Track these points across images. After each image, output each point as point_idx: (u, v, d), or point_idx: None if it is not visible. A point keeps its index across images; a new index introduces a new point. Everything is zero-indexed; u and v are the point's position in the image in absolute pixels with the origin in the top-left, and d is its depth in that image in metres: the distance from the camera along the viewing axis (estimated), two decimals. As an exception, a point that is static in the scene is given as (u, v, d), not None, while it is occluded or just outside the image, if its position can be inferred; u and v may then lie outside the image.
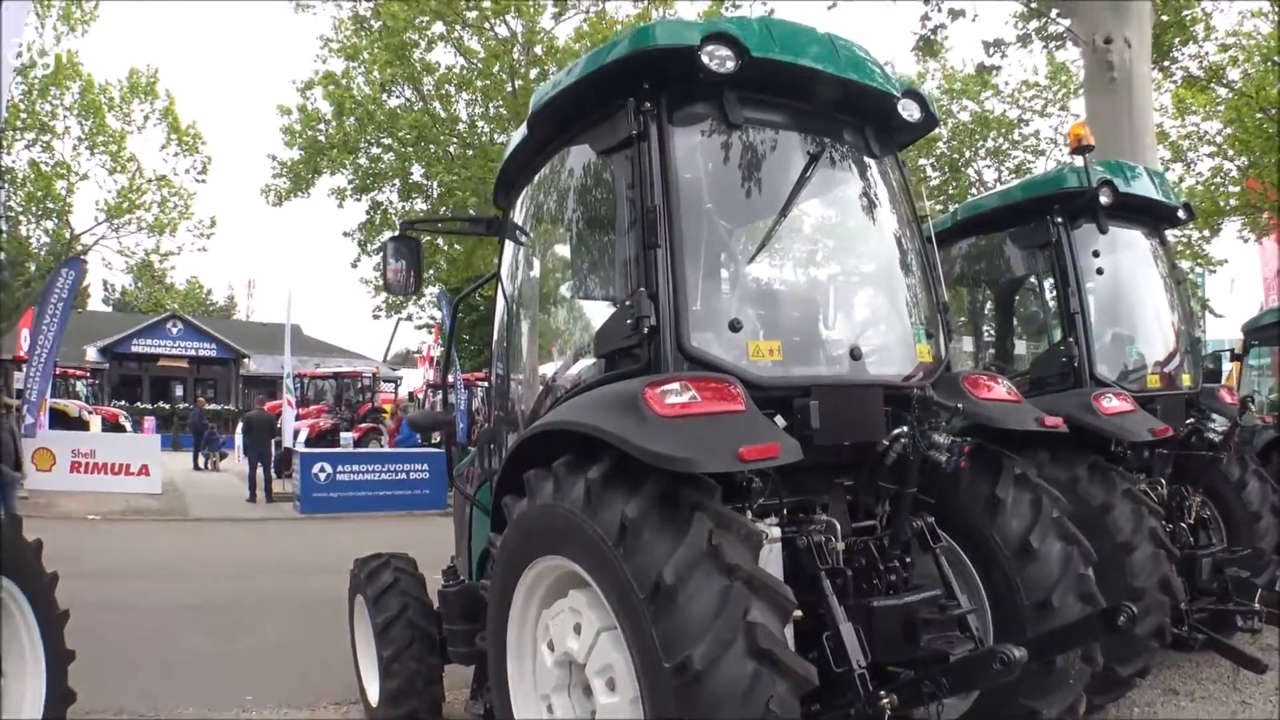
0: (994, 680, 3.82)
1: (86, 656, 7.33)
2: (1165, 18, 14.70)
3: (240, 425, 26.47)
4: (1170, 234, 22.07)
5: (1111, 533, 6.07)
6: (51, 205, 26.88)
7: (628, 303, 4.30)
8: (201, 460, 33.88)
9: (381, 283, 5.79)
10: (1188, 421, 7.59)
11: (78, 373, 41.80)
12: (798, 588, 4.06)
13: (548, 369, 5.59)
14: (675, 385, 3.85)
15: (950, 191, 30.63)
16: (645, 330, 4.18)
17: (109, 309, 67.03)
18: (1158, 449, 7.40)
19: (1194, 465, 7.58)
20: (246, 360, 53.66)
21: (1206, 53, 20.83)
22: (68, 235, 27.90)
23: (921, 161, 30.57)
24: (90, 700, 6.72)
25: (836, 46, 4.76)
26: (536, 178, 5.47)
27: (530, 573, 4.36)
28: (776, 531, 4.06)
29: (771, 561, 3.97)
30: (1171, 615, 6.39)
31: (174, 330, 52.65)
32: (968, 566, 4.79)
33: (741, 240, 4.81)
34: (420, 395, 27.96)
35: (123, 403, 45.77)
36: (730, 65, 4.29)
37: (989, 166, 32.30)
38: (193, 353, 53.17)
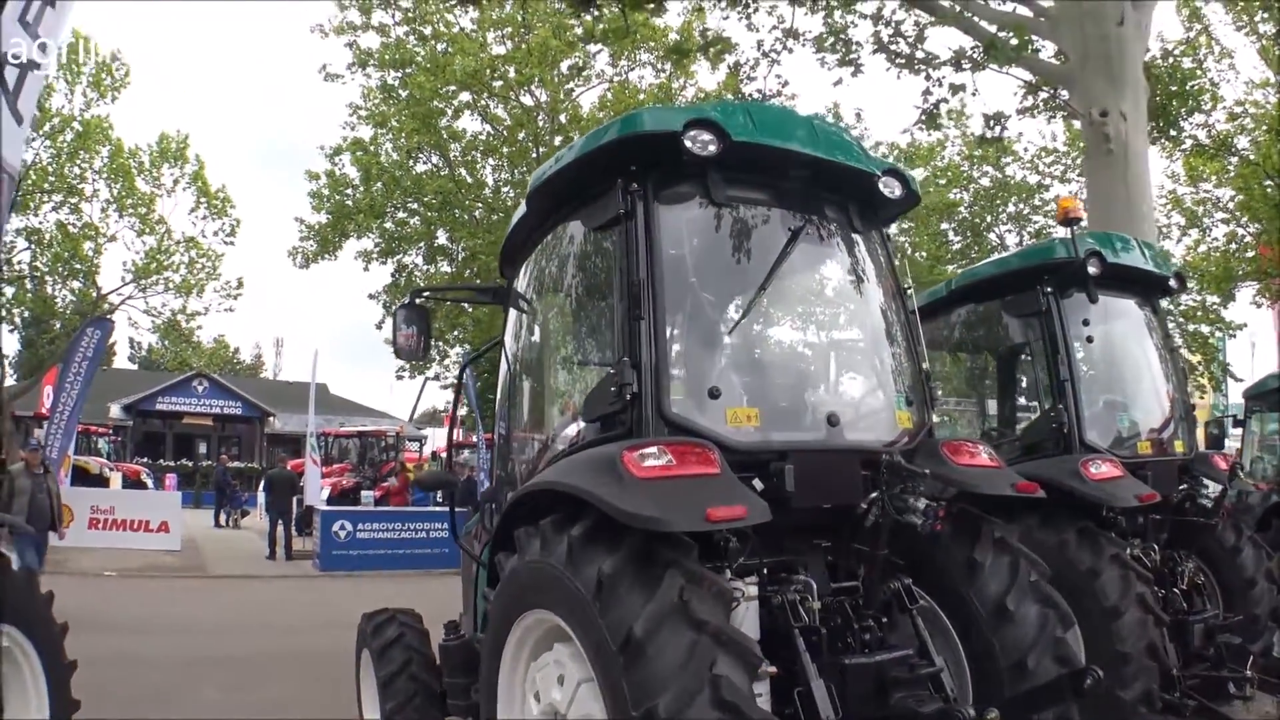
0: None
1: (96, 711, 7.50)
2: (1174, 88, 14.96)
3: (263, 483, 26.66)
4: (1186, 299, 22.14)
5: (1099, 597, 6.19)
6: (79, 266, 27.28)
7: (612, 370, 4.56)
8: (223, 518, 34.09)
9: (393, 348, 6.06)
10: (1180, 487, 7.68)
11: (100, 430, 42.12)
12: (775, 645, 4.27)
13: (543, 431, 5.86)
14: (653, 449, 4.09)
15: (973, 255, 30.83)
16: (628, 397, 4.44)
17: (135, 366, 67.66)
18: (1150, 514, 7.49)
19: (1188, 531, 7.68)
20: (272, 419, 53.96)
21: (1214, 122, 21.11)
22: (94, 295, 28.30)
23: (944, 226, 30.88)
24: None
25: (817, 129, 5.07)
26: (536, 251, 5.78)
27: (519, 626, 4.57)
28: (753, 590, 4.26)
29: (747, 619, 4.17)
30: (1163, 681, 6.46)
31: (200, 388, 53.05)
32: (948, 628, 4.95)
33: (724, 312, 5.05)
34: (443, 455, 28.14)
35: (145, 459, 45.98)
36: (712, 149, 4.57)
37: (1010, 231, 32.52)
38: (218, 410, 53.51)
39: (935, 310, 8.39)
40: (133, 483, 32.60)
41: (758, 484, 4.44)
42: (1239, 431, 13.01)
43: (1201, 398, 32.59)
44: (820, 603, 4.49)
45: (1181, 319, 26.63)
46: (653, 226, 4.66)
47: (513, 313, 6.06)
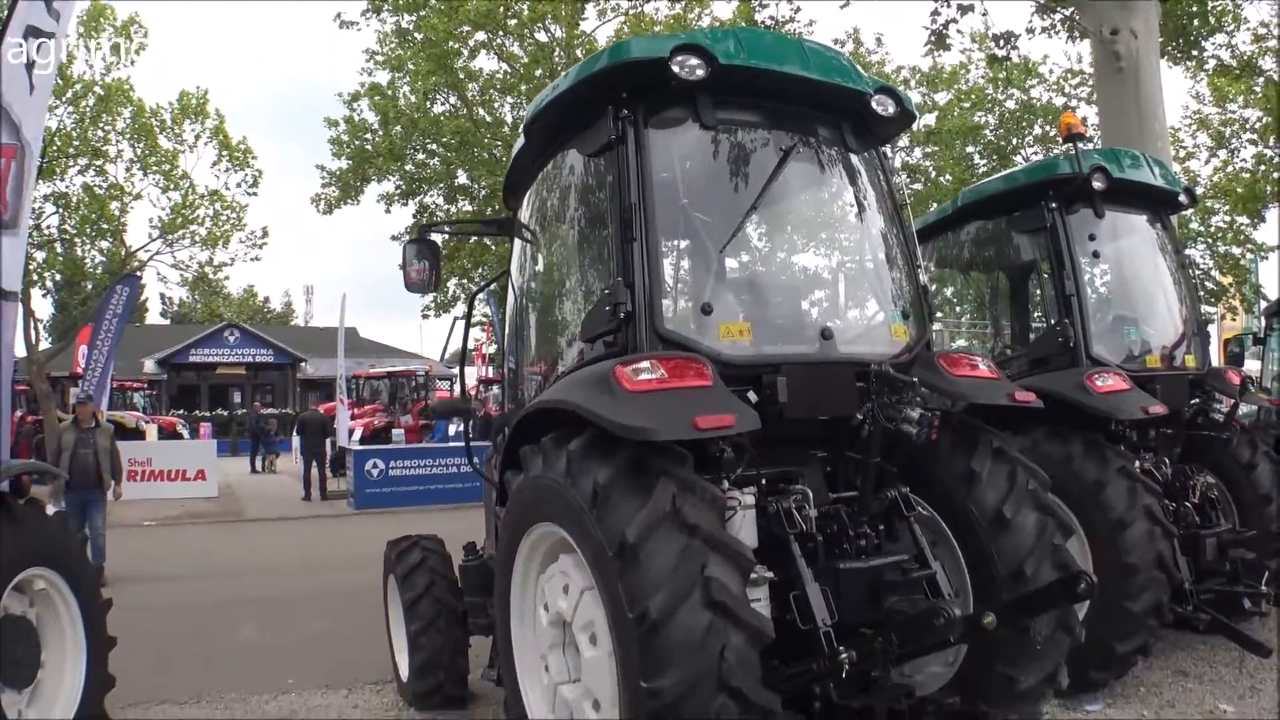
0: (937, 636, 4.08)
1: (134, 652, 7.67)
2: (1194, 8, 14.70)
3: (296, 427, 27.02)
4: (1216, 221, 21.81)
5: (1105, 509, 6.28)
6: (105, 226, 27.48)
7: (607, 291, 4.68)
8: (258, 463, 34.68)
9: (404, 283, 6.18)
10: (1192, 402, 7.73)
11: (135, 385, 42.66)
12: (773, 553, 4.40)
13: (547, 356, 6.01)
14: (645, 364, 4.22)
15: (1000, 177, 30.29)
16: (622, 315, 4.59)
17: (166, 322, 68.30)
18: (1162, 429, 7.57)
19: (1202, 446, 7.73)
20: (303, 364, 54.53)
21: (1238, 43, 20.67)
22: (123, 254, 28.51)
23: (969, 149, 30.52)
24: (135, 692, 7.12)
25: (807, 51, 5.13)
26: (537, 180, 5.89)
27: (527, 541, 4.74)
28: (750, 499, 4.38)
29: (744, 527, 4.29)
30: (1174, 595, 6.57)
31: (231, 338, 53.66)
32: (948, 536, 5.07)
33: (716, 232, 5.12)
34: (473, 392, 28.43)
35: (181, 411, 46.68)
36: (700, 73, 4.66)
37: (1036, 153, 32.06)
38: (250, 359, 54.18)
39: (942, 228, 8.45)
40: (169, 434, 33.28)
41: (752, 397, 4.56)
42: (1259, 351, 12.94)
43: (1233, 320, 32.28)
44: (817, 511, 4.63)
45: (1211, 240, 26.35)
46: (644, 151, 4.76)
47: (518, 243, 6.17)
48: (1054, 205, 7.27)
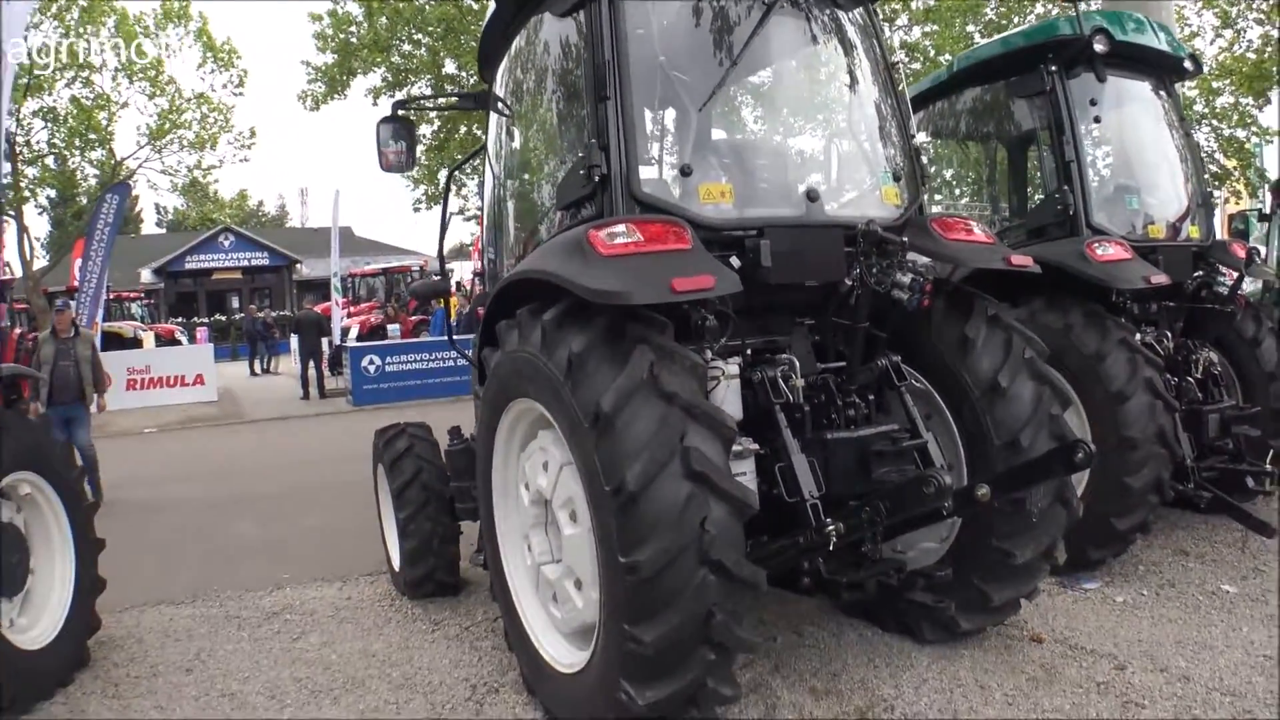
0: (927, 505, 3.93)
1: (133, 556, 7.75)
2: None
3: (292, 327, 26.93)
4: (1221, 102, 21.30)
5: (1104, 381, 6.11)
6: (94, 137, 27.21)
7: (581, 154, 4.45)
8: (257, 365, 34.75)
9: (379, 163, 5.94)
10: (1195, 274, 7.50)
11: (132, 295, 42.48)
12: (760, 425, 4.24)
13: (525, 232, 5.78)
14: (621, 227, 4.01)
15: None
16: (597, 179, 4.36)
17: (163, 230, 67.79)
18: (1164, 301, 7.40)
19: (1205, 320, 7.53)
20: (299, 265, 54.12)
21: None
22: (112, 163, 28.22)
23: (970, 28, 29.77)
24: (134, 594, 7.16)
25: None
26: (511, 49, 5.61)
27: (506, 417, 4.60)
28: (734, 368, 4.22)
29: (728, 397, 4.13)
30: (1176, 472, 6.43)
31: (226, 243, 53.14)
32: (942, 406, 4.92)
33: (696, 91, 4.88)
34: (468, 286, 28.17)
35: (180, 319, 46.52)
36: None
37: (1040, 31, 31.21)
38: (246, 263, 53.65)
39: (937, 94, 8.16)
40: (168, 342, 33.03)
41: (735, 262, 4.36)
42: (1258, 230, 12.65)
43: (1236, 204, 31.86)
44: (804, 381, 4.47)
45: (1216, 121, 25.81)
46: (617, 5, 4.50)
47: (494, 118, 5.92)
48: (1054, 69, 6.94)
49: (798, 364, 4.49)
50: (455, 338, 6.96)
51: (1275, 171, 27.26)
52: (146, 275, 51.02)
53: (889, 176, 5.11)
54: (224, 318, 50.25)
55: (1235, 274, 7.49)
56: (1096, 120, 7.06)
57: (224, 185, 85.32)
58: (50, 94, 25.77)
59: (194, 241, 53.21)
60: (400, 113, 5.93)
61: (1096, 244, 6.42)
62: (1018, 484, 4.24)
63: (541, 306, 4.19)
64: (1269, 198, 12.14)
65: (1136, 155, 7.74)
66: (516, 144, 5.84)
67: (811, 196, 4.72)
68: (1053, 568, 5.19)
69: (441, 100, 10.32)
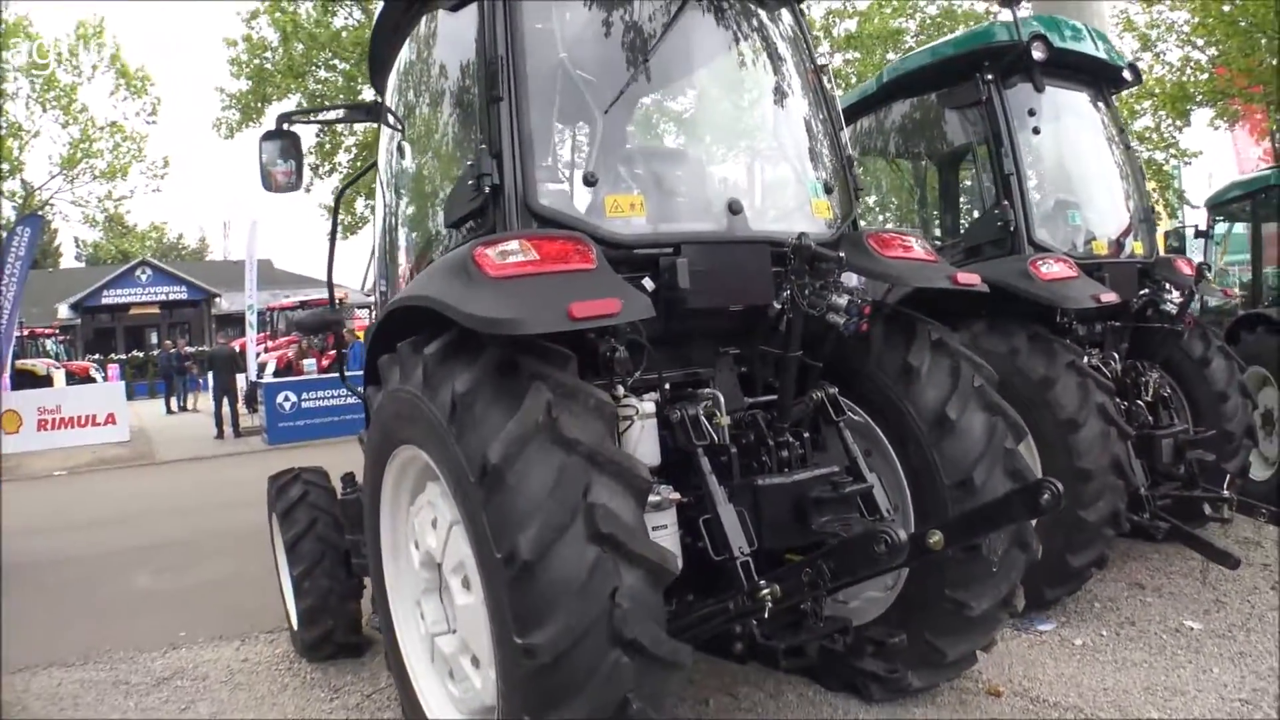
0: (879, 566, 3.41)
1: (27, 611, 7.31)
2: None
3: (206, 363, 26.10)
4: (1140, 124, 21.36)
5: (1054, 409, 5.70)
6: (6, 167, 26.39)
7: (471, 163, 3.90)
8: (173, 403, 33.57)
9: (263, 184, 5.31)
10: (1141, 293, 7.14)
11: (47, 332, 41.23)
12: (682, 470, 3.72)
13: (415, 254, 5.18)
14: (514, 244, 3.46)
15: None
16: (487, 189, 3.81)
17: (82, 265, 66.14)
18: (1110, 321, 7.02)
19: (1151, 340, 7.11)
20: (218, 299, 52.74)
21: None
22: (22, 195, 27.40)
23: (890, 56, 29.77)
24: (27, 653, 6.73)
25: None
26: (402, 53, 5.05)
27: (392, 466, 4.07)
28: (650, 405, 3.69)
29: (643, 440, 3.60)
30: (1131, 502, 6.06)
31: (143, 277, 51.83)
32: (884, 443, 4.42)
33: (602, 91, 4.34)
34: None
35: (97, 355, 45.35)
36: None
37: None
38: (163, 297, 52.31)
39: (865, 109, 7.74)
40: (82, 379, 31.97)
41: (648, 285, 3.84)
42: (1199, 245, 12.44)
43: (1160, 224, 32.20)
44: (730, 418, 3.94)
45: (1137, 142, 26.01)
46: None
47: (385, 133, 5.36)
48: (989, 77, 6.55)
49: (722, 399, 3.96)
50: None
51: (1192, 192, 27.63)
52: (64, 311, 49.59)
53: (820, 188, 4.61)
54: (141, 354, 48.80)
55: (1182, 291, 7.12)
56: (1036, 131, 6.67)
57: (142, 217, 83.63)
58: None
59: (110, 276, 51.80)
60: (285, 126, 5.33)
61: (1041, 261, 6.02)
62: (974, 530, 3.64)
63: (422, 339, 3.63)
64: (1205, 215, 11.91)
65: (1076, 168, 7.36)
66: (408, 159, 5.26)
67: (734, 209, 4.20)
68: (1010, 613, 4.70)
69: (330, 113, 9.62)
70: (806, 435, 4.16)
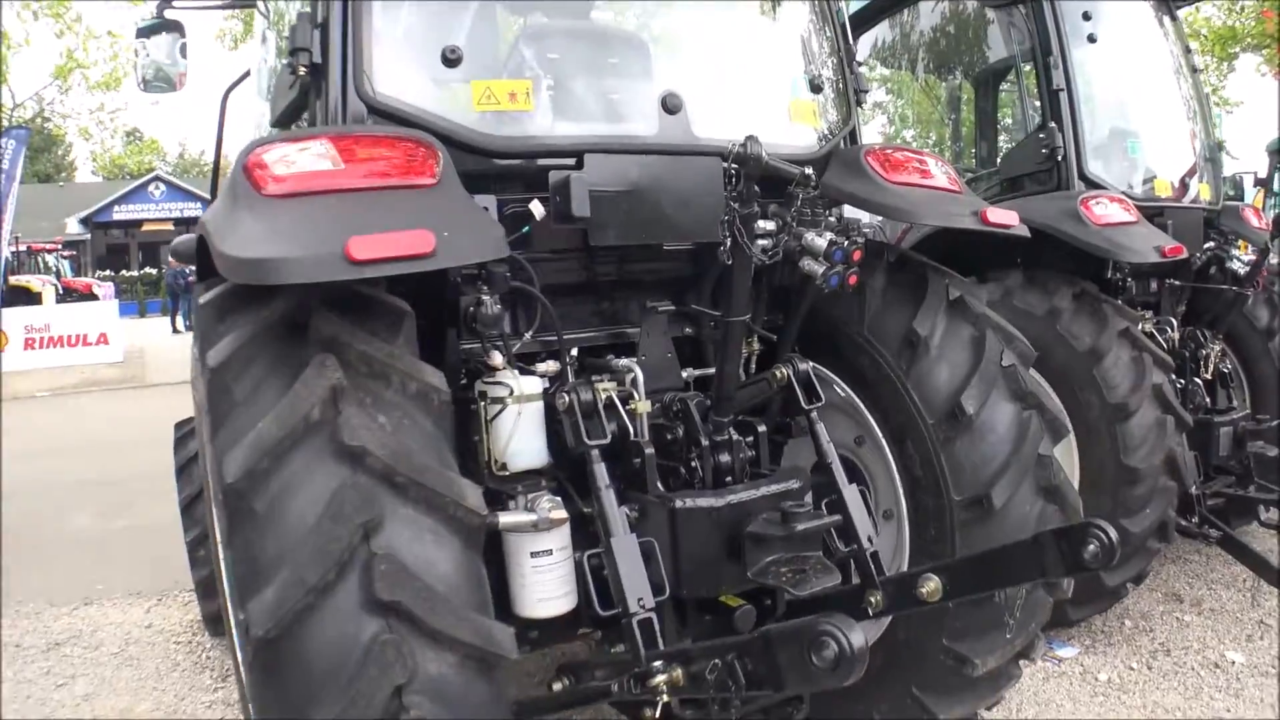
0: (815, 683, 2.20)
1: None
2: None
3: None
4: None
5: (1101, 389, 4.61)
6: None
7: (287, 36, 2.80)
8: (179, 322, 32.88)
9: (140, 85, 4.26)
10: (1206, 245, 5.99)
11: (49, 247, 40.64)
12: (576, 480, 2.65)
13: None
14: (313, 144, 2.35)
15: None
16: (304, 72, 2.72)
17: (99, 179, 65.57)
18: (1168, 279, 5.82)
19: (1213, 304, 5.96)
20: (235, 216, 52.52)
21: None
22: (10, 105, 26.69)
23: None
24: None
25: None
26: None
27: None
28: (533, 384, 2.61)
29: (521, 433, 2.53)
30: (1180, 503, 5.00)
31: (156, 193, 51.23)
32: (875, 430, 3.30)
33: None
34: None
35: (109, 272, 44.87)
36: None
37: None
38: (177, 214, 51.10)
39: (883, 11, 6.59)
40: (85, 296, 31.37)
41: (537, 210, 2.73)
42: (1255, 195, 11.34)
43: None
44: (651, 404, 2.83)
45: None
46: None
47: (259, 24, 4.29)
48: (1036, -32, 5.38)
49: (640, 376, 2.82)
50: None
51: (1234, 143, 26.39)
52: (73, 225, 49.08)
53: (804, 86, 3.43)
54: (155, 271, 48.44)
55: (1255, 247, 5.95)
56: (1091, 39, 5.54)
57: (164, 135, 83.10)
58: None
59: (122, 190, 51.19)
60: (166, 15, 4.31)
61: (1094, 201, 4.88)
62: (987, 581, 2.58)
63: (208, 285, 2.53)
64: (1267, 160, 10.76)
65: (1136, 92, 6.15)
66: (269, 53, 4.12)
67: (670, 106, 3.04)
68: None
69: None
70: (760, 432, 3.05)
